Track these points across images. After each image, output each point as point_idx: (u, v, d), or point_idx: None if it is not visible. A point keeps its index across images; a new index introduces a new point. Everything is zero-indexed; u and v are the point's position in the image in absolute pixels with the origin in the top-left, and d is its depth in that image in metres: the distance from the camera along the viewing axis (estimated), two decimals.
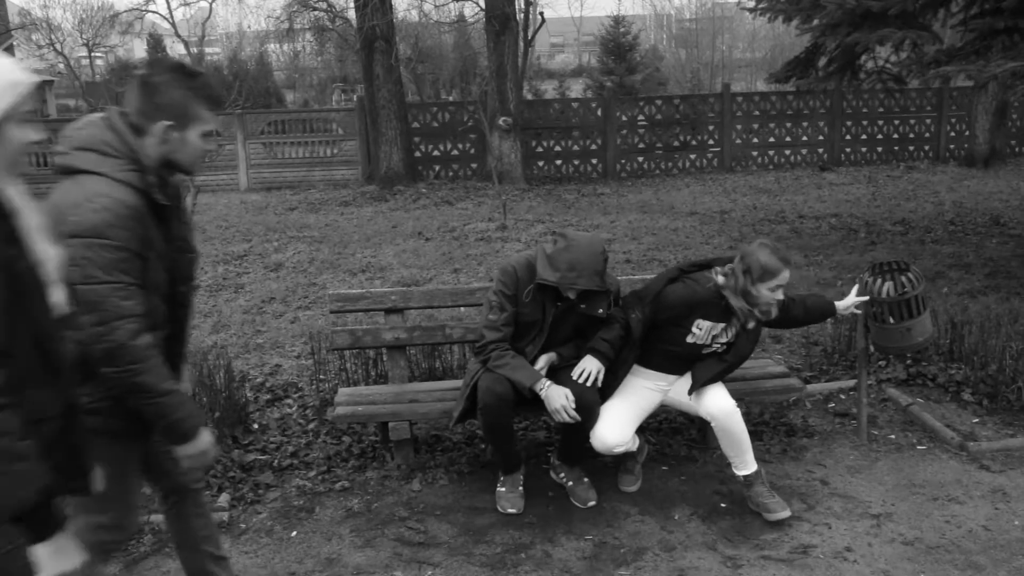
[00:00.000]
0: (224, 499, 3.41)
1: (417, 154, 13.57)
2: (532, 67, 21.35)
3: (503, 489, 3.36)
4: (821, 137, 14.29)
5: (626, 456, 3.50)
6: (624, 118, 13.81)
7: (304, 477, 3.64)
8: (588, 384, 3.17)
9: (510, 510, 3.28)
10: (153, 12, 23.35)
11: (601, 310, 3.23)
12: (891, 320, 3.54)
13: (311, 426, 4.12)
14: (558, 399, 3.09)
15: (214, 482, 3.53)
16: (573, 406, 3.09)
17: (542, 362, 3.26)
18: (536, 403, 3.36)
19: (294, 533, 3.22)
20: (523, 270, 3.21)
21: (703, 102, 14.41)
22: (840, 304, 3.55)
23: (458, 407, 3.35)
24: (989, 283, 6.35)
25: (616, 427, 3.19)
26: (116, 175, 2.01)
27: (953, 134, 14.50)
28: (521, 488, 3.38)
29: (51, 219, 1.76)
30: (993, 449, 3.66)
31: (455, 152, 13.69)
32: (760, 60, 29.27)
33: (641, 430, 3.92)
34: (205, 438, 2.20)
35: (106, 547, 2.28)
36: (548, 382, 3.15)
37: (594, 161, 13.79)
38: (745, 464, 3.23)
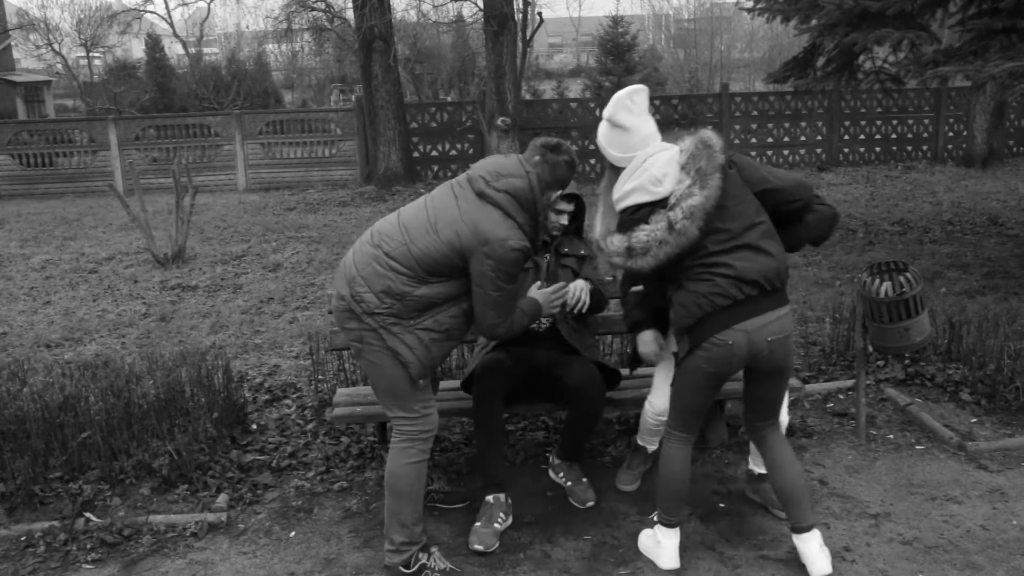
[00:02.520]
0: (222, 499, 3.41)
1: (415, 154, 13.56)
2: (530, 67, 21.36)
3: (478, 524, 3.12)
4: (819, 137, 14.30)
5: (635, 453, 3.51)
6: None
7: (303, 477, 3.63)
8: (578, 307, 3.27)
9: (476, 546, 3.01)
10: (151, 12, 23.33)
11: (583, 251, 3.43)
12: (889, 320, 3.54)
13: (310, 426, 4.12)
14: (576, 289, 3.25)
15: (212, 482, 3.54)
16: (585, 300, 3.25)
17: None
18: (533, 399, 3.38)
19: (293, 533, 3.22)
20: None
21: (701, 102, 14.42)
22: None
23: (468, 369, 3.47)
24: (987, 283, 6.36)
25: (666, 393, 3.20)
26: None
27: (951, 134, 14.52)
28: (497, 525, 3.11)
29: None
30: (991, 449, 3.66)
31: (453, 152, 13.69)
32: (758, 60, 29.27)
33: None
34: None
35: None
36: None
37: (592, 161, 13.79)
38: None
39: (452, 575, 2.89)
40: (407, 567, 2.84)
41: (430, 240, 2.72)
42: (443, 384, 3.87)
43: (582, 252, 3.47)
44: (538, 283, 3.21)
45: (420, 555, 2.86)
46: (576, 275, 3.42)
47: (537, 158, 2.85)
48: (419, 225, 2.76)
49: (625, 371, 3.66)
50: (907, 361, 4.56)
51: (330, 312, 3.84)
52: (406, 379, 2.77)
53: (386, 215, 2.98)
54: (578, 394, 3.24)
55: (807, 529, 2.83)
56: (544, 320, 3.37)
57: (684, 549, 3.01)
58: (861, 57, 7.58)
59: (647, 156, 2.82)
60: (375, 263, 2.74)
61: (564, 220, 3.41)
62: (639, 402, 3.49)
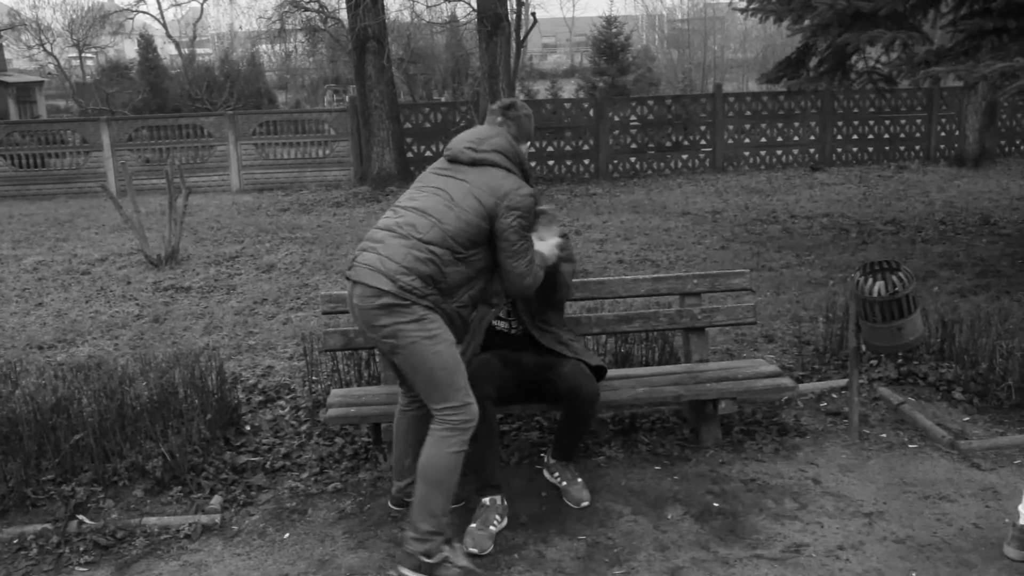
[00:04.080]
0: (216, 501, 3.40)
1: (409, 155, 13.56)
2: (524, 67, 21.36)
3: (473, 525, 3.08)
4: (812, 137, 14.34)
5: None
6: (616, 118, 13.83)
7: (297, 479, 3.63)
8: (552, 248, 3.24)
9: (471, 548, 2.98)
10: (144, 12, 23.31)
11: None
12: (882, 319, 3.55)
13: (304, 427, 4.12)
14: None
15: (205, 484, 3.53)
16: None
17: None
18: (528, 399, 3.38)
19: (287, 535, 3.21)
20: None
21: (695, 102, 14.44)
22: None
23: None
24: (979, 282, 6.39)
25: None
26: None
27: (943, 134, 14.58)
28: (493, 527, 3.10)
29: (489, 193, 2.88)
30: (984, 447, 3.68)
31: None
32: (752, 60, 29.35)
33: (633, 430, 3.93)
34: None
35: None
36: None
37: (586, 161, 13.80)
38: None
39: (472, 574, 2.86)
40: (428, 557, 2.81)
41: (456, 213, 2.85)
42: None
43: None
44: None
45: (444, 547, 2.84)
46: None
47: (500, 119, 3.12)
48: (438, 206, 2.88)
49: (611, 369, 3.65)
50: (900, 360, 4.58)
51: (325, 313, 3.84)
52: (444, 363, 2.81)
53: (379, 216, 3.00)
54: (571, 394, 3.24)
55: None
56: (515, 324, 3.40)
57: (679, 548, 3.02)
58: (854, 57, 7.60)
59: None
60: (414, 251, 2.80)
61: None
62: (634, 403, 3.49)
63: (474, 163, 2.97)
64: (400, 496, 3.29)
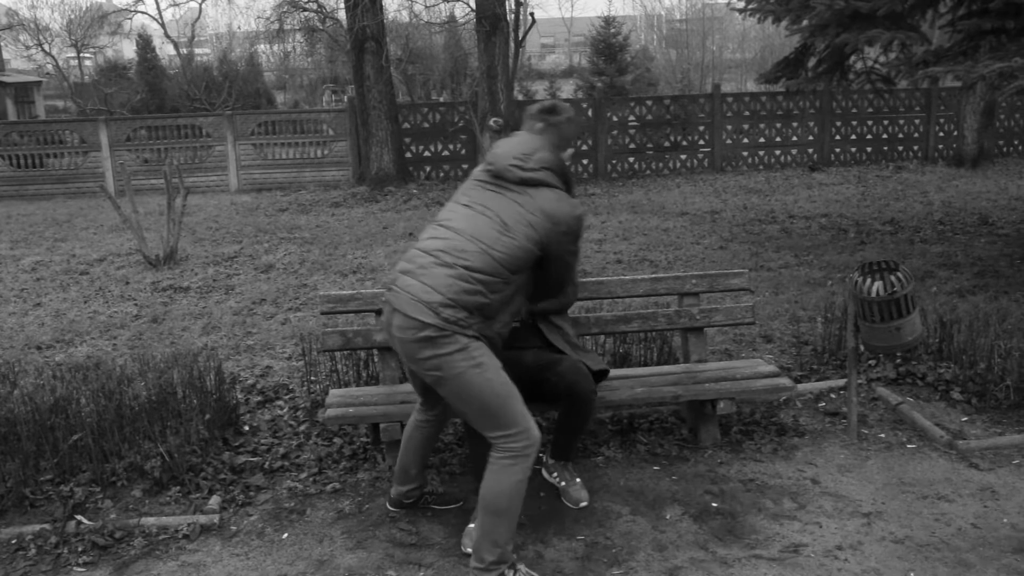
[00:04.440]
0: (214, 501, 3.40)
1: (408, 155, 13.55)
2: (523, 68, 21.34)
3: (472, 525, 3.07)
4: (811, 137, 14.35)
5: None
6: (615, 119, 13.83)
7: (295, 479, 3.63)
8: None
9: (470, 548, 2.96)
10: (142, 12, 23.32)
11: None
12: (880, 319, 3.56)
13: (302, 428, 4.11)
14: None
15: (204, 484, 3.53)
16: None
17: None
18: (528, 399, 3.37)
19: (285, 535, 3.21)
20: None
21: (693, 103, 14.44)
22: None
23: None
24: (977, 282, 6.39)
25: None
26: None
27: (942, 134, 14.59)
28: None
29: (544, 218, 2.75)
30: (982, 447, 3.68)
31: (446, 153, 13.69)
32: (750, 61, 29.35)
33: (632, 430, 3.93)
34: None
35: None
36: None
37: (584, 161, 13.80)
38: None
39: None
40: None
41: (508, 241, 2.70)
42: None
43: None
44: None
45: (507, 572, 2.77)
46: None
47: (540, 125, 2.90)
48: (490, 232, 2.72)
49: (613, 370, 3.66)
50: (898, 360, 4.58)
51: (323, 313, 3.83)
52: (495, 390, 2.70)
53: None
54: (569, 394, 3.24)
55: None
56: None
57: (677, 548, 3.02)
58: (852, 57, 7.61)
59: None
60: (460, 281, 2.65)
61: None
62: (632, 403, 3.49)
63: (523, 183, 2.78)
64: (399, 499, 3.28)
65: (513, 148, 2.84)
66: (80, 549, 3.12)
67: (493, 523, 2.72)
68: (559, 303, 3.00)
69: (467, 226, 2.75)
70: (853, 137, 14.47)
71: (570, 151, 2.98)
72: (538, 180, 2.78)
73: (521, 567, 2.85)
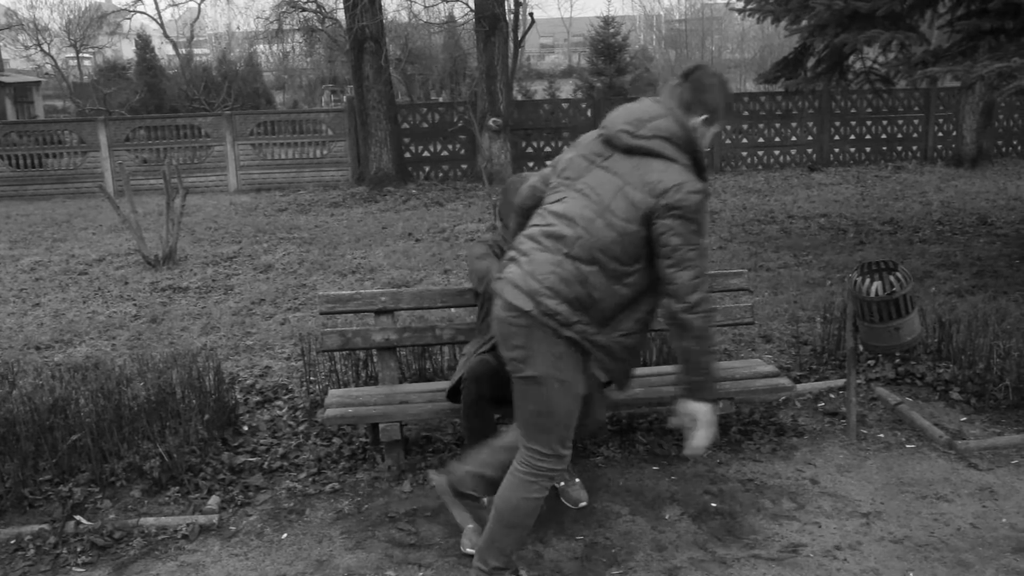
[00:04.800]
0: (214, 501, 3.40)
1: (407, 155, 13.56)
2: (522, 68, 21.33)
3: (471, 526, 3.07)
4: (810, 137, 14.36)
5: None
6: None
7: (294, 479, 3.63)
8: None
9: (468, 549, 2.98)
10: (141, 12, 23.32)
11: None
12: (879, 319, 3.56)
13: (301, 428, 4.11)
14: None
15: (203, 484, 3.52)
16: None
17: None
18: None
19: (284, 535, 3.21)
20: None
21: None
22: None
23: (454, 377, 3.41)
24: (976, 282, 6.40)
25: None
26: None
27: (940, 134, 14.60)
28: None
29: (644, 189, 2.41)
30: (981, 447, 3.68)
31: (445, 153, 13.69)
32: (749, 61, 29.37)
33: (631, 430, 3.94)
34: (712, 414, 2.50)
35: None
36: None
37: None
38: None
39: None
40: None
41: (607, 220, 2.43)
42: (435, 384, 3.87)
43: None
44: None
45: None
46: None
47: (674, 82, 2.59)
48: (586, 212, 2.46)
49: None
50: (897, 360, 4.58)
51: (323, 313, 3.83)
52: (561, 413, 2.53)
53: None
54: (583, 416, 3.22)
55: None
56: None
57: (676, 548, 3.02)
58: (851, 57, 7.61)
59: None
60: (559, 269, 2.44)
61: None
62: (631, 403, 3.48)
63: (629, 151, 2.48)
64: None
65: (628, 112, 2.55)
66: (79, 549, 3.11)
67: (504, 533, 2.66)
68: (679, 308, 2.41)
69: (567, 208, 2.50)
70: (852, 137, 14.48)
71: (714, 128, 2.57)
72: (647, 149, 2.46)
73: (522, 572, 2.85)
